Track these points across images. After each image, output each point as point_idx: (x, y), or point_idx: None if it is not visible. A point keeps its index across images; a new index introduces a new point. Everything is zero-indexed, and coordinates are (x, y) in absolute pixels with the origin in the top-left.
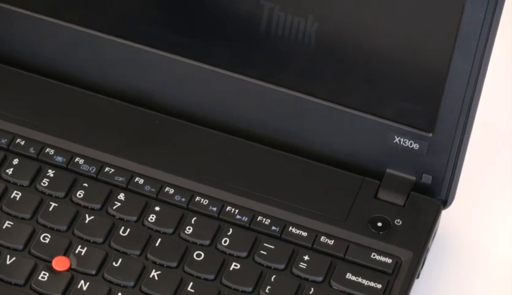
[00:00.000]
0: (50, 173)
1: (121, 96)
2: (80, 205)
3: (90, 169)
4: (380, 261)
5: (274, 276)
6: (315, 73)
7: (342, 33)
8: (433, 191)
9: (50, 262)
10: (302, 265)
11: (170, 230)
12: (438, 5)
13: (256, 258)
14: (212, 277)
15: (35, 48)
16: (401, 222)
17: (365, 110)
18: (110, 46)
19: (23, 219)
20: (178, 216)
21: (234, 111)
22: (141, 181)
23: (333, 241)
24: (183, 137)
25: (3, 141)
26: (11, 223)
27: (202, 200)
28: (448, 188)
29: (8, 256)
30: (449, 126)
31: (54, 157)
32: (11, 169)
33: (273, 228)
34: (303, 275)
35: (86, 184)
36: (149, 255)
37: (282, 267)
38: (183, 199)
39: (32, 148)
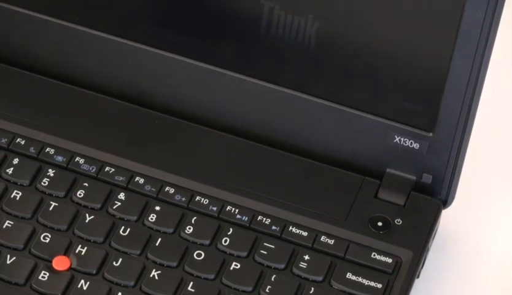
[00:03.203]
0: (50, 172)
1: (121, 96)
2: (80, 205)
3: (90, 168)
4: (380, 261)
5: (274, 275)
6: (315, 73)
7: (343, 33)
8: (433, 191)
9: (50, 261)
10: (303, 265)
11: (171, 230)
12: (438, 5)
13: (257, 258)
14: (212, 277)
15: (35, 48)
16: (401, 221)
17: (365, 110)
18: (110, 46)
19: (23, 218)
20: (179, 215)
21: (234, 111)
22: (141, 181)
23: (333, 241)
24: (183, 137)
25: (3, 140)
26: (12, 222)
27: (203, 199)
28: (448, 188)
29: (9, 256)
30: (449, 126)
31: (55, 156)
32: (12, 168)
33: (273, 227)
34: (303, 275)
35: (86, 184)
36: (149, 255)
37: (282, 266)
38: (184, 199)
39: (32, 148)
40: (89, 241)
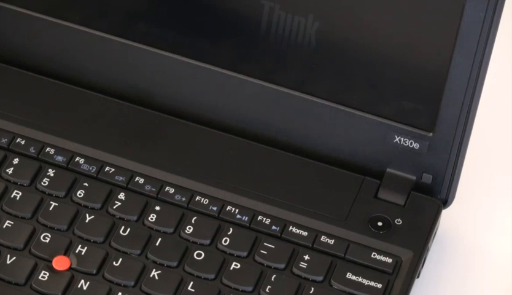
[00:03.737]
0: (50, 172)
1: (121, 96)
2: (80, 205)
3: (90, 168)
4: (380, 261)
5: (274, 275)
6: (316, 72)
7: (343, 33)
8: (433, 190)
9: (50, 261)
10: (303, 265)
11: (171, 230)
12: (438, 5)
13: (257, 257)
14: (212, 277)
15: (35, 47)
16: (401, 221)
17: (365, 109)
18: (110, 45)
19: (23, 218)
20: (179, 215)
21: (234, 110)
22: (141, 181)
23: (333, 241)
24: (183, 136)
25: (3, 140)
26: (12, 222)
27: (203, 199)
28: (448, 188)
29: (9, 256)
30: (449, 126)
31: (55, 156)
32: (12, 168)
33: (273, 227)
34: (303, 275)
35: (86, 184)
36: (149, 255)
37: (282, 266)
38: (184, 198)
39: (32, 147)
40: (89, 241)
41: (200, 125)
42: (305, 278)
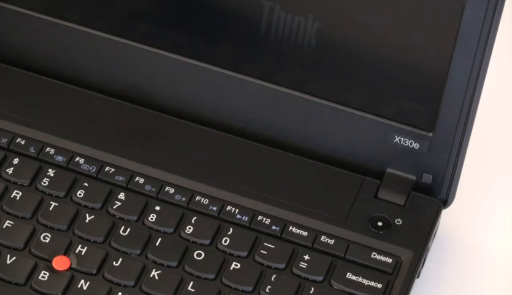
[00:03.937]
0: (50, 172)
1: (121, 96)
2: (80, 205)
3: (90, 168)
4: (380, 261)
5: (274, 275)
6: (316, 72)
7: (343, 33)
8: (433, 190)
9: (50, 261)
10: (303, 265)
11: (171, 230)
12: (438, 5)
13: (257, 257)
14: (212, 277)
15: (35, 47)
16: (401, 221)
17: (365, 109)
18: (110, 45)
19: (23, 218)
20: (179, 215)
21: (234, 110)
22: (141, 181)
23: (333, 241)
24: (183, 136)
25: (3, 140)
26: (12, 222)
27: (203, 199)
28: (448, 188)
29: (9, 256)
30: (449, 126)
31: (55, 156)
32: (12, 168)
33: (273, 227)
34: (303, 275)
35: (86, 184)
36: (149, 255)
37: (282, 266)
38: (184, 198)
39: (32, 147)
40: (89, 241)
41: (200, 125)
42: (305, 278)
